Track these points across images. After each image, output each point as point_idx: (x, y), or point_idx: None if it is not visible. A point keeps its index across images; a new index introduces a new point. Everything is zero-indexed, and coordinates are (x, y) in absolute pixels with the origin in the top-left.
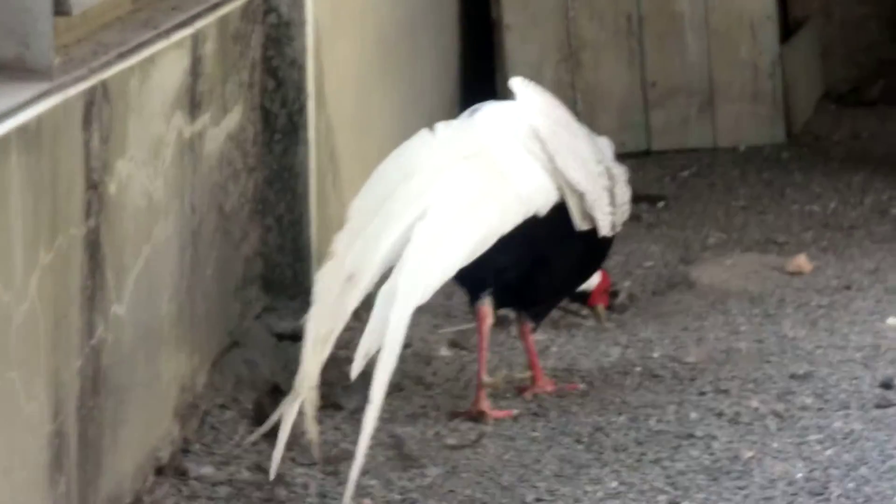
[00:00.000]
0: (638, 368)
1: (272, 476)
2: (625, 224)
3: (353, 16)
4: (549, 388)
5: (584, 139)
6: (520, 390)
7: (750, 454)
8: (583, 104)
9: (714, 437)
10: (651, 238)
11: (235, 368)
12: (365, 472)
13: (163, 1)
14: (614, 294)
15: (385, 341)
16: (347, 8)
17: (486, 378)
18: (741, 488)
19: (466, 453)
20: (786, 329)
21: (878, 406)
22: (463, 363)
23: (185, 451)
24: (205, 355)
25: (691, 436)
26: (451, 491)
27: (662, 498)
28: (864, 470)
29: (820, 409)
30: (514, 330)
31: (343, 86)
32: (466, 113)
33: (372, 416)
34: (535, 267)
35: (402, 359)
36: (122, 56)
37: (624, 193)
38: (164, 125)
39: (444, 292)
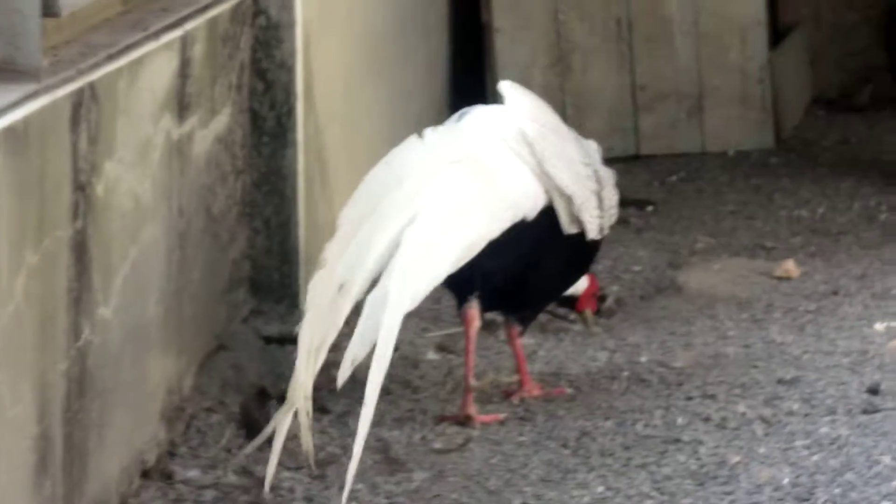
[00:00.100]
0: (625, 373)
1: (267, 488)
2: (613, 228)
3: (342, 19)
4: (537, 392)
5: (572, 142)
6: (507, 394)
7: (737, 459)
8: (572, 108)
9: (701, 442)
10: (639, 242)
11: (222, 371)
12: None
13: (152, 2)
14: (602, 298)
15: (377, 345)
16: (336, 11)
17: (473, 382)
18: (728, 493)
19: (453, 457)
20: (773, 334)
21: (865, 411)
22: (450, 367)
23: (172, 454)
24: (191, 358)
25: (678, 441)
26: (438, 495)
27: (649, 503)
28: (850, 475)
29: (807, 415)
30: (501, 334)
31: (332, 89)
32: (455, 117)
33: (366, 422)
34: (523, 271)
35: (390, 362)
36: (110, 57)
37: (612, 197)
38: (152, 127)
39: (432, 296)
